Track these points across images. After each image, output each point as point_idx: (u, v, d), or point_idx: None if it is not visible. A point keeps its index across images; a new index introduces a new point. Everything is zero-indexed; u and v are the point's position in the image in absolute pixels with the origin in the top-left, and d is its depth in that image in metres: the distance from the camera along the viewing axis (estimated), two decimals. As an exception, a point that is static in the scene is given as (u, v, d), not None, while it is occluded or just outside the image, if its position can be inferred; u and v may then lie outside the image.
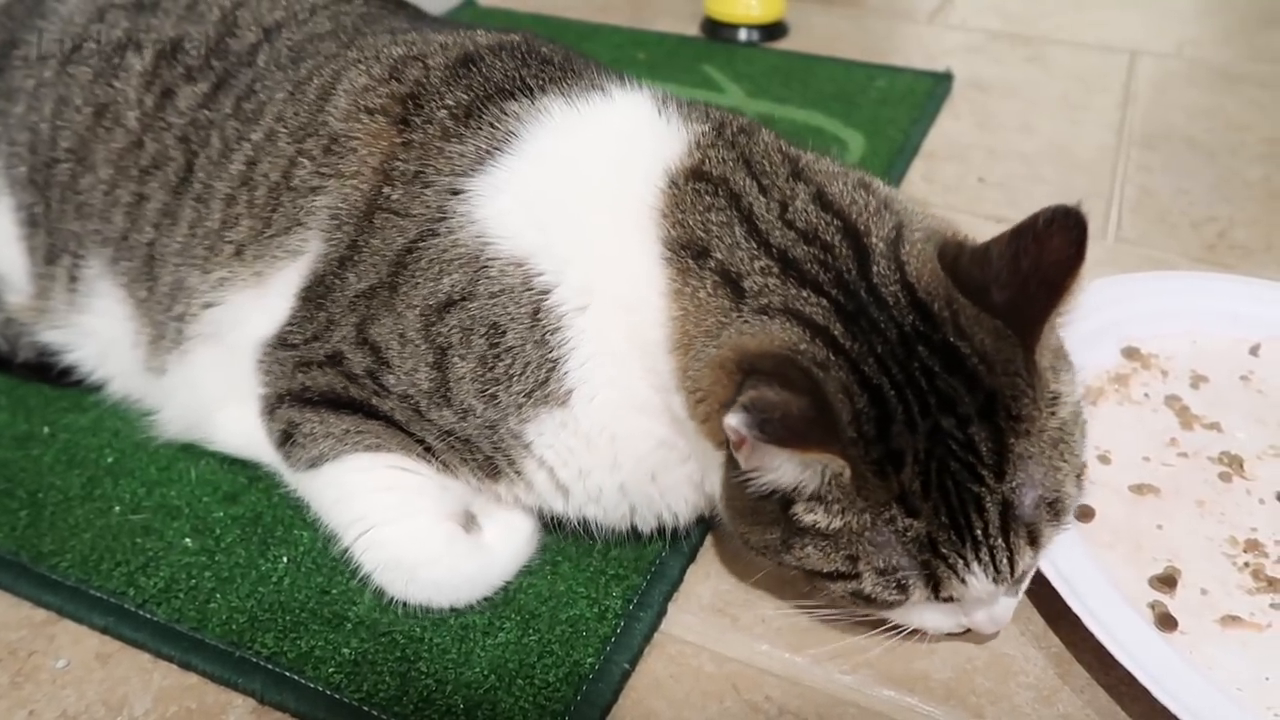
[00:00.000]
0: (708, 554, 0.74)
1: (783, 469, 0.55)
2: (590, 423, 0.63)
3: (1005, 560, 0.56)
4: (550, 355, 0.63)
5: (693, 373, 0.59)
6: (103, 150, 0.79)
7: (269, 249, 0.71)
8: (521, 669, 0.65)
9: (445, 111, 0.69)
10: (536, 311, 0.63)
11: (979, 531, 0.55)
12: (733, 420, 0.52)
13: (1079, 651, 0.66)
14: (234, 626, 0.68)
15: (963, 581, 0.56)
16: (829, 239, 0.60)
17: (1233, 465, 0.80)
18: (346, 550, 0.69)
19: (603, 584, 0.70)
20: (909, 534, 0.55)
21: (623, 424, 0.63)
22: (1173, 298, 0.94)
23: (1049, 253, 0.54)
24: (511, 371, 0.63)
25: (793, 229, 0.61)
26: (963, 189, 1.22)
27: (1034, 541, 0.57)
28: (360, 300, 0.67)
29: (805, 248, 0.60)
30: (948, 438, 0.55)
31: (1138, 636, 0.62)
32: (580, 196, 0.65)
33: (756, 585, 0.71)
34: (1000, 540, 0.56)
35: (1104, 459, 0.81)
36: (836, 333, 0.56)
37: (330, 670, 0.65)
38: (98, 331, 0.82)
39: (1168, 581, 0.70)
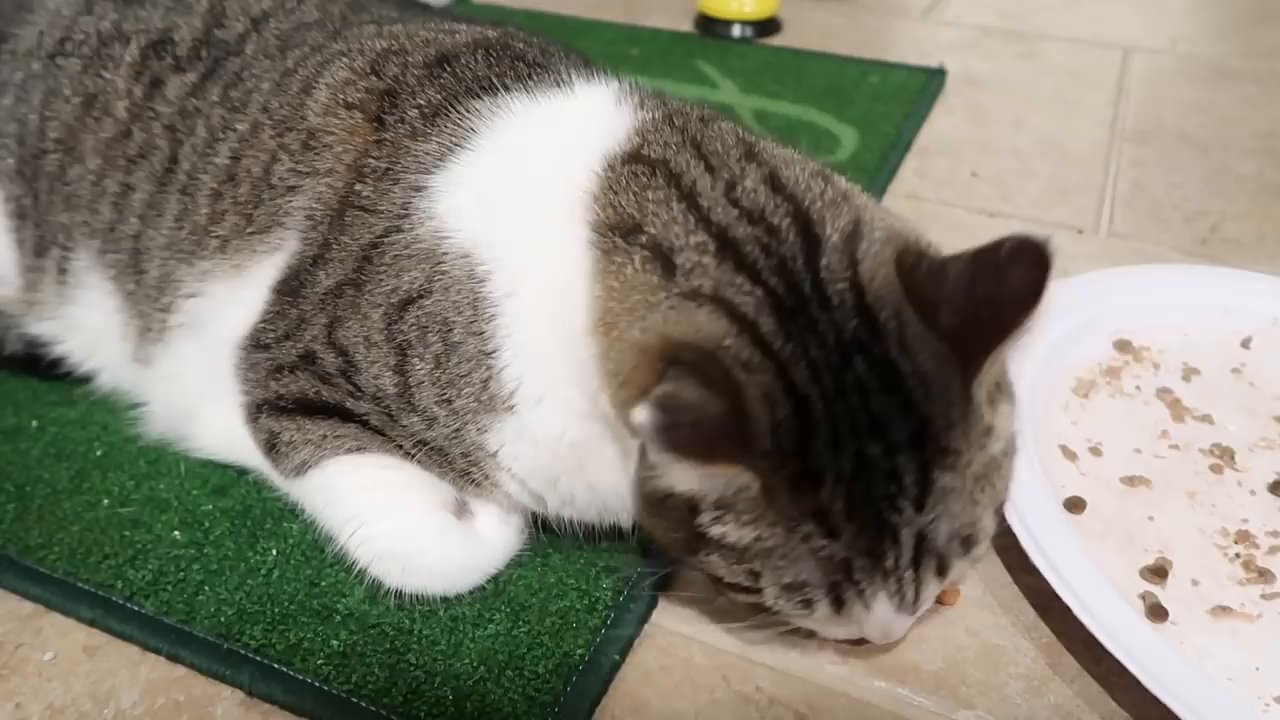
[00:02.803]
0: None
1: (682, 476, 0.52)
2: (544, 431, 0.62)
3: (912, 591, 0.55)
4: (486, 349, 0.61)
5: (615, 354, 0.56)
6: (91, 140, 0.79)
7: (249, 243, 0.71)
8: (511, 660, 0.65)
9: (416, 111, 0.69)
10: (475, 301, 0.62)
11: (891, 562, 0.54)
12: (639, 416, 0.48)
13: (1070, 642, 0.66)
14: (222, 619, 0.67)
15: (867, 608, 0.55)
16: (776, 222, 0.57)
17: (1224, 457, 0.80)
18: (341, 549, 0.69)
19: (593, 576, 0.70)
20: (823, 553, 0.53)
21: (575, 429, 0.61)
22: (1165, 290, 0.94)
23: (1006, 286, 0.51)
24: (460, 371, 0.62)
25: (737, 207, 0.58)
26: (955, 184, 1.22)
27: (942, 572, 0.56)
28: (329, 298, 0.67)
29: (748, 228, 0.56)
30: (872, 463, 0.52)
31: (1128, 627, 0.62)
32: (524, 186, 0.64)
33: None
34: (911, 572, 0.54)
35: (1095, 451, 0.81)
36: (766, 330, 0.53)
37: (319, 662, 0.65)
38: (87, 323, 0.82)
39: (1159, 572, 0.70)
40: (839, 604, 0.55)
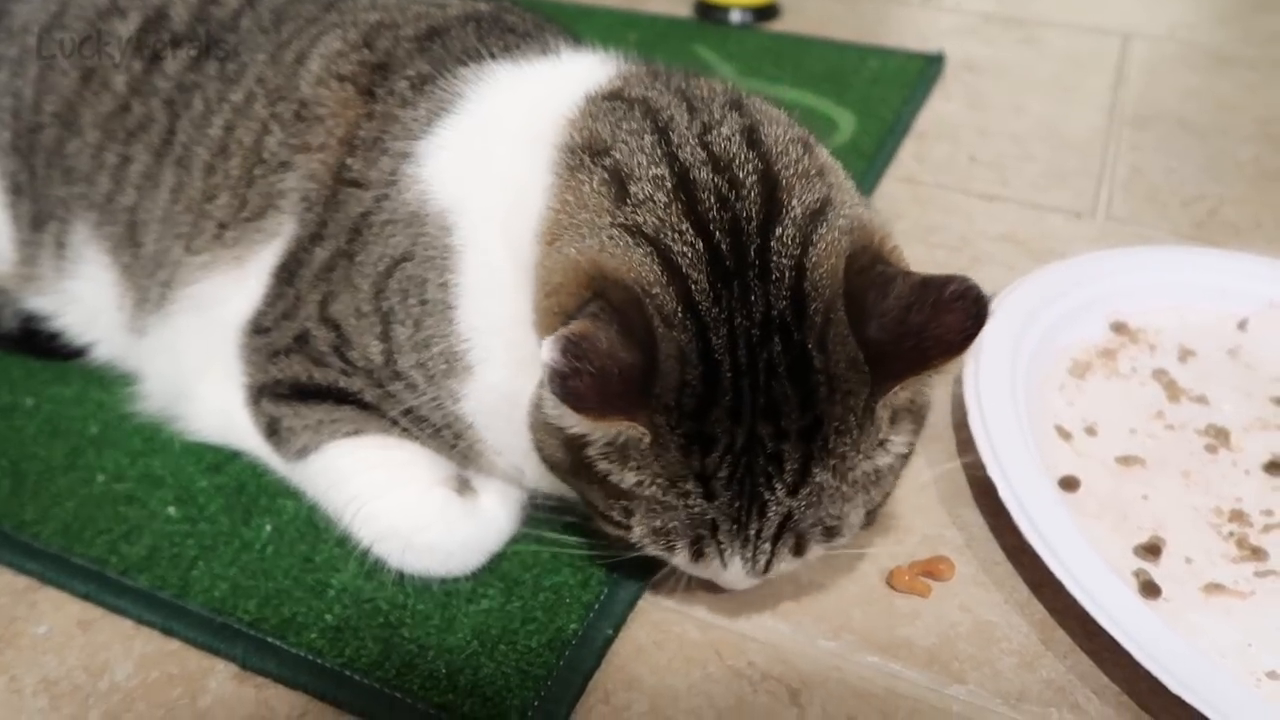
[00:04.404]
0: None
1: (570, 422, 0.52)
2: (500, 396, 0.61)
3: (765, 561, 0.57)
4: (449, 300, 0.61)
5: (549, 263, 0.56)
6: (90, 114, 0.79)
7: (247, 232, 0.71)
8: (504, 635, 0.65)
9: (406, 82, 0.69)
10: (444, 254, 0.62)
11: (753, 532, 0.55)
12: (546, 354, 0.48)
13: (1063, 618, 0.66)
14: (216, 594, 0.68)
15: (724, 566, 0.57)
16: (741, 176, 0.56)
17: (1219, 437, 0.80)
18: (345, 531, 0.69)
19: (586, 552, 0.70)
20: (695, 510, 0.54)
21: (531, 392, 0.60)
22: (1161, 272, 0.94)
23: (937, 325, 0.51)
24: (431, 330, 0.62)
25: (706, 150, 0.57)
26: (954, 168, 1.21)
27: (799, 551, 0.57)
28: (324, 273, 0.67)
29: (710, 174, 0.56)
30: (760, 442, 0.52)
31: (1121, 603, 0.62)
32: (501, 136, 0.64)
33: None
34: (768, 545, 0.56)
35: (1090, 431, 0.81)
36: (697, 287, 0.52)
37: (312, 636, 0.65)
38: (84, 297, 0.82)
39: (1152, 550, 0.70)
40: (699, 555, 0.57)
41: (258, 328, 0.71)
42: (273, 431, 0.71)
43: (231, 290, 0.72)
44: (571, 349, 0.48)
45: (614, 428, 0.51)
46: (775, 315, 0.52)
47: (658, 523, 0.55)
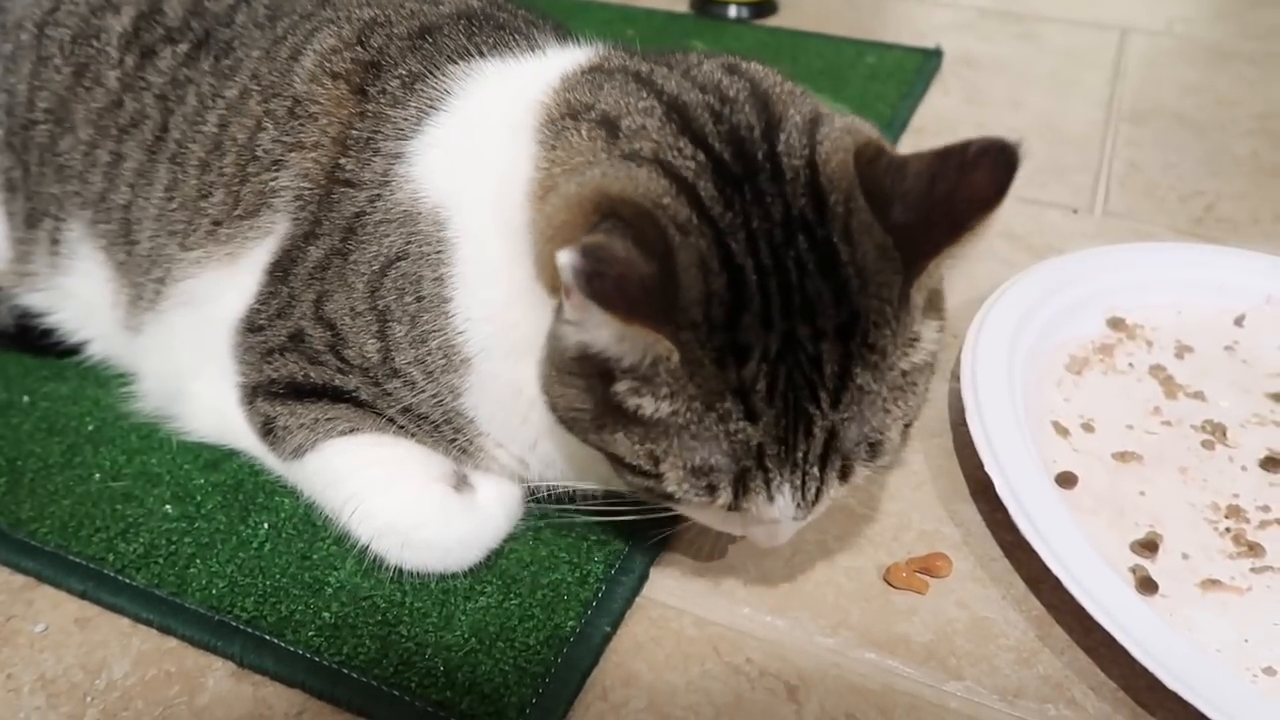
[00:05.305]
0: (691, 520, 0.74)
1: (599, 333, 0.50)
2: (502, 387, 0.62)
3: (814, 488, 0.54)
4: (444, 294, 0.61)
5: (548, 210, 0.55)
6: (82, 110, 0.78)
7: (241, 230, 0.71)
8: (502, 632, 0.65)
9: (398, 81, 0.69)
10: (439, 249, 0.62)
11: (800, 454, 0.52)
12: (563, 258, 0.46)
13: (1060, 614, 0.66)
14: (214, 592, 0.68)
15: (770, 500, 0.53)
16: (732, 94, 0.56)
17: (1216, 433, 0.80)
18: (343, 530, 0.69)
19: (585, 548, 0.70)
20: (738, 436, 0.51)
21: (530, 380, 0.60)
22: (1158, 268, 0.94)
23: (967, 186, 0.49)
24: (429, 326, 0.62)
25: (690, 80, 0.57)
26: (951, 163, 1.21)
27: (845, 476, 0.54)
28: (318, 271, 0.67)
29: (699, 95, 0.56)
30: (799, 346, 0.50)
31: (1118, 599, 0.62)
32: (486, 129, 0.64)
33: (738, 549, 0.71)
34: (816, 469, 0.53)
35: (1087, 427, 0.81)
36: (705, 194, 0.52)
37: (310, 634, 0.65)
38: (79, 294, 0.82)
39: (1149, 546, 0.70)
40: (744, 490, 0.53)
41: (251, 325, 0.70)
42: (268, 431, 0.71)
43: (225, 287, 0.72)
44: (591, 253, 0.46)
45: (642, 340, 0.49)
46: (795, 214, 0.52)
47: (696, 460, 0.52)
